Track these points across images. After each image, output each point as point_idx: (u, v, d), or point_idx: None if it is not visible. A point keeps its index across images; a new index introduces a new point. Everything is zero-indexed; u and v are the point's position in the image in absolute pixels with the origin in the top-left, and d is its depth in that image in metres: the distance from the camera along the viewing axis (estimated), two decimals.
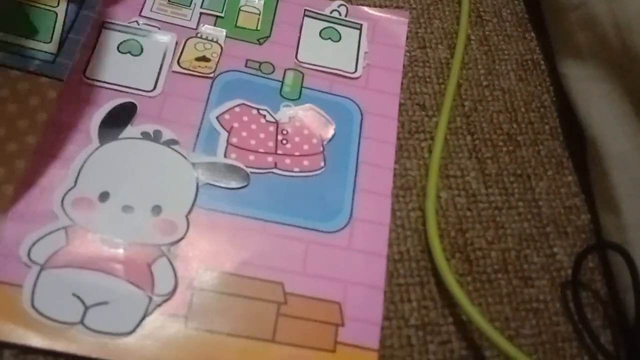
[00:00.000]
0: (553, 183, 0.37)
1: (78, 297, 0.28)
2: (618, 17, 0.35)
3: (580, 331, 0.32)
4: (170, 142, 0.32)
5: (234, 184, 0.32)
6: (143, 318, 0.28)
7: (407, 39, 0.39)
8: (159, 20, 0.36)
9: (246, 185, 0.32)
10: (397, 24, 0.40)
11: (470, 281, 0.33)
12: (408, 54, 0.39)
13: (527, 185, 0.36)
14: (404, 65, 0.38)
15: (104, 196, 0.30)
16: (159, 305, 0.28)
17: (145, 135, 0.32)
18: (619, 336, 0.33)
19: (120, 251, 0.29)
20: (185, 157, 0.32)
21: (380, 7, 0.40)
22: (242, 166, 0.33)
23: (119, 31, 0.35)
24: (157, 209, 0.30)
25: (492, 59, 0.41)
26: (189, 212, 0.31)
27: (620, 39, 0.35)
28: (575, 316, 0.33)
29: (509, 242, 0.34)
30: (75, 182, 0.30)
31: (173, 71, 0.34)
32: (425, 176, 0.35)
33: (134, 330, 0.27)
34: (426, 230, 0.33)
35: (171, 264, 0.29)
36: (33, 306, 0.27)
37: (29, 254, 0.28)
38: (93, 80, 0.33)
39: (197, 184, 0.32)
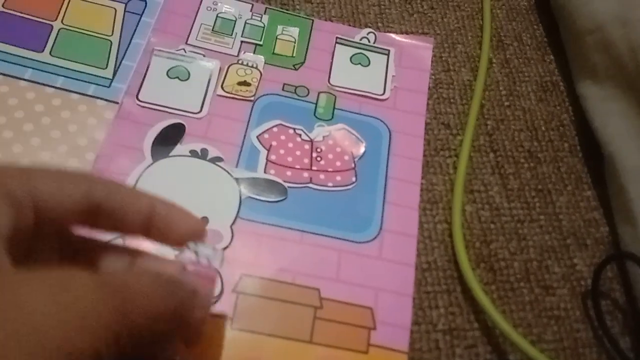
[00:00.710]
0: (573, 197, 0.39)
1: None
2: (633, 41, 0.37)
3: (600, 337, 0.34)
4: (216, 160, 0.35)
5: (273, 197, 0.35)
6: None
7: (432, 62, 0.42)
8: (204, 48, 0.39)
9: (284, 199, 0.35)
10: (422, 49, 0.42)
11: (494, 289, 0.35)
12: (433, 77, 0.42)
13: (548, 199, 0.38)
14: (429, 87, 0.41)
15: None
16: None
17: (194, 153, 0.35)
18: (638, 342, 0.34)
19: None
20: (229, 173, 0.35)
21: (407, 33, 0.43)
22: (280, 181, 0.35)
23: (168, 58, 0.38)
24: (204, 220, 0.33)
25: (513, 81, 0.43)
26: (233, 222, 0.34)
27: (635, 61, 0.37)
28: (596, 323, 0.34)
29: (531, 253, 0.36)
30: None
31: (217, 95, 0.37)
32: (451, 191, 0.37)
33: None
34: (452, 241, 0.35)
35: (218, 272, 0.32)
36: None
37: None
38: (145, 102, 0.36)
39: (240, 197, 0.34)
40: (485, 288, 0.35)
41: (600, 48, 0.40)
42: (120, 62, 0.38)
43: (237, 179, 0.35)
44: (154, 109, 0.36)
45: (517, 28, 0.46)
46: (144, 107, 0.36)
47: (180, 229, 0.25)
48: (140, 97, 0.36)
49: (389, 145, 0.38)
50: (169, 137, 0.35)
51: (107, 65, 0.37)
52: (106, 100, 0.36)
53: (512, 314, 0.34)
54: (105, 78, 0.37)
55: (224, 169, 0.35)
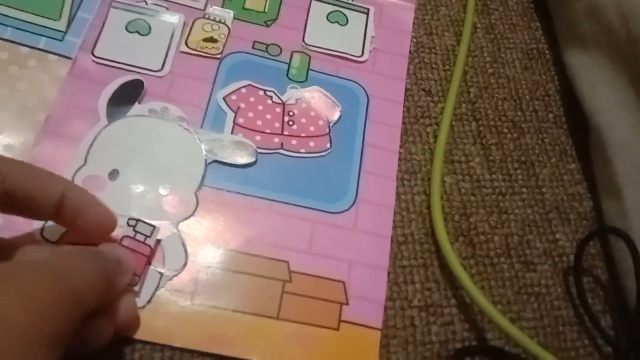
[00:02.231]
0: (556, 170, 0.37)
1: None
2: (623, 7, 0.35)
3: (581, 316, 0.33)
4: (178, 120, 0.32)
5: (241, 160, 0.32)
6: (154, 293, 0.28)
7: (413, 25, 0.40)
8: (167, 0, 0.36)
9: (254, 162, 0.32)
10: (404, 9, 0.40)
11: (473, 264, 0.33)
12: (414, 40, 0.39)
13: (531, 172, 0.37)
14: (410, 51, 0.39)
15: (113, 174, 0.30)
16: (170, 279, 0.29)
17: (153, 113, 0.32)
18: (620, 321, 0.33)
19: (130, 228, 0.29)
20: (192, 134, 0.32)
21: None
22: (249, 142, 0.33)
23: (128, 10, 0.35)
24: (166, 186, 0.31)
25: (498, 47, 0.41)
26: (198, 189, 0.31)
27: (626, 28, 0.35)
28: (577, 301, 0.33)
29: (512, 227, 0.35)
30: (85, 160, 0.30)
31: (181, 51, 0.34)
32: (430, 161, 0.35)
33: (148, 302, 0.28)
34: (430, 213, 0.33)
35: (181, 239, 0.30)
36: None
37: (42, 233, 0.28)
38: (101, 59, 0.33)
39: (205, 160, 0.32)
40: (464, 263, 0.33)
41: (589, 14, 0.38)
42: (75, 14, 0.34)
43: (201, 140, 0.32)
44: (111, 66, 0.33)
45: None
46: (100, 63, 0.33)
47: (89, 219, 0.25)
48: (96, 52, 0.33)
49: (367, 110, 0.36)
50: (126, 96, 0.32)
51: (60, 16, 0.34)
52: (58, 55, 0.33)
53: (491, 290, 0.33)
54: (58, 30, 0.33)
55: (187, 130, 0.32)
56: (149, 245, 0.27)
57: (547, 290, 0.33)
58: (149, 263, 0.28)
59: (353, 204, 0.33)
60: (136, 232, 0.27)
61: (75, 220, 0.25)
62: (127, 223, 0.27)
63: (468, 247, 0.33)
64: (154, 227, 0.28)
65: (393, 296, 0.31)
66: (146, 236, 0.27)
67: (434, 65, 0.39)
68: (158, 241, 0.29)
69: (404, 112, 0.36)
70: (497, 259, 0.33)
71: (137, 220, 0.28)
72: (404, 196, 0.34)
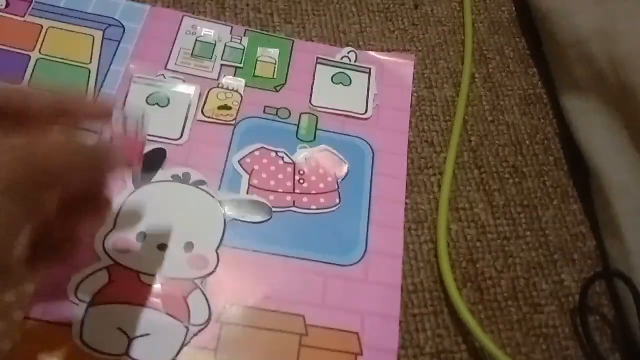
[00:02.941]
0: (559, 212, 0.39)
1: (122, 331, 0.30)
2: (614, 55, 0.37)
3: (589, 355, 0.34)
4: (199, 183, 0.35)
5: (258, 218, 0.34)
6: (182, 347, 0.30)
7: (414, 80, 0.42)
8: (184, 73, 0.39)
9: (270, 219, 0.35)
10: (404, 66, 0.42)
11: (482, 309, 0.35)
12: (416, 94, 0.42)
13: (534, 215, 0.38)
14: (412, 105, 0.41)
15: (140, 236, 0.33)
16: (195, 335, 0.31)
17: (176, 178, 0.35)
18: (628, 358, 0.34)
19: (158, 286, 0.32)
20: (212, 196, 0.35)
21: (388, 51, 0.43)
22: (265, 201, 0.35)
23: (147, 84, 0.38)
24: (189, 245, 0.33)
25: (497, 95, 0.43)
26: (218, 247, 0.33)
27: (616, 75, 0.37)
28: (584, 340, 0.34)
29: (518, 271, 0.36)
30: (115, 224, 0.33)
31: (198, 120, 0.37)
32: (436, 210, 0.37)
33: (174, 359, 0.30)
34: (438, 261, 0.35)
35: (205, 295, 0.32)
36: (82, 340, 0.29)
37: (75, 293, 0.30)
38: None
39: (225, 219, 0.34)
40: (473, 308, 0.34)
41: (582, 61, 0.39)
42: (100, 90, 0.37)
43: (220, 202, 0.35)
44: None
45: (500, 42, 0.45)
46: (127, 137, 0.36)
47: (89, 109, 0.26)
48: None
49: (373, 164, 0.38)
50: (151, 164, 0.35)
51: (86, 94, 0.37)
52: (86, 130, 0.36)
53: (500, 334, 0.34)
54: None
55: (207, 192, 0.35)
56: (142, 137, 0.28)
57: (555, 331, 0.34)
58: (142, 154, 0.29)
59: (363, 256, 0.35)
60: (126, 120, 0.27)
61: (78, 115, 0.26)
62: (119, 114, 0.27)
63: (476, 292, 0.35)
64: (144, 114, 0.28)
65: (405, 344, 0.33)
66: (137, 122, 0.28)
67: (435, 117, 0.41)
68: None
69: (408, 163, 0.38)
70: (505, 303, 0.35)
71: (125, 118, 0.27)
72: (412, 245, 0.36)
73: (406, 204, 0.37)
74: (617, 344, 0.34)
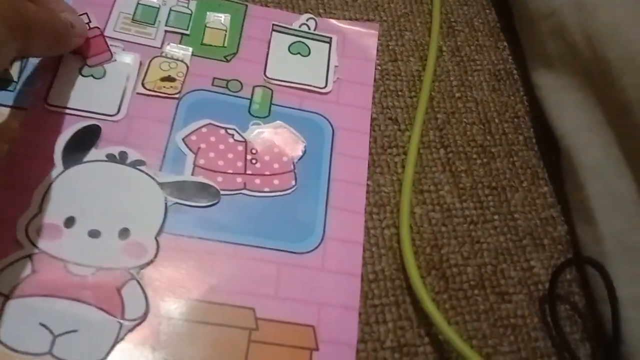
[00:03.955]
0: (529, 195, 0.36)
1: (45, 327, 0.27)
2: (588, 27, 0.35)
3: (558, 346, 0.32)
4: (137, 163, 0.31)
5: (204, 202, 0.31)
6: (114, 345, 0.27)
7: (378, 52, 0.39)
8: (123, 40, 0.35)
9: (217, 203, 0.31)
10: (367, 36, 0.39)
11: (446, 299, 0.32)
12: (379, 68, 0.39)
13: (502, 197, 0.36)
14: (375, 79, 0.38)
15: (69, 221, 0.29)
16: (130, 330, 0.27)
17: (111, 157, 0.31)
18: (598, 349, 0.32)
19: (89, 277, 0.28)
20: (152, 177, 0.31)
21: (350, 19, 0.40)
22: (211, 183, 0.32)
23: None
24: (125, 232, 0.30)
25: (465, 70, 0.40)
26: (158, 233, 0.30)
27: (591, 49, 0.34)
28: (553, 330, 0.32)
29: (485, 257, 0.34)
30: (40, 209, 0.29)
31: (137, 93, 0.33)
32: (399, 192, 0.35)
33: (105, 358, 0.27)
34: (400, 247, 0.33)
35: (141, 287, 0.29)
36: None
37: None
38: (55, 106, 0.32)
39: (166, 204, 0.31)
40: (437, 298, 0.32)
41: (554, 34, 0.37)
42: (26, 62, 0.33)
43: (161, 184, 0.31)
44: (65, 113, 0.32)
45: (469, 13, 0.43)
46: (53, 111, 0.32)
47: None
48: (49, 100, 0.32)
49: (332, 143, 0.35)
50: (82, 142, 0.31)
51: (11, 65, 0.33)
52: (10, 106, 0.32)
53: (465, 325, 0.32)
54: (9, 80, 0.32)
55: (146, 173, 0.31)
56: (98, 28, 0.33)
57: (523, 321, 0.32)
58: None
59: (320, 242, 0.32)
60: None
61: None
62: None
63: (441, 280, 0.33)
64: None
65: (365, 338, 0.30)
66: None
67: (399, 93, 0.38)
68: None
69: (370, 142, 0.36)
70: (471, 292, 0.33)
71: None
72: (374, 231, 0.33)
73: (368, 185, 0.34)
74: (587, 333, 0.33)
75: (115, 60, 0.34)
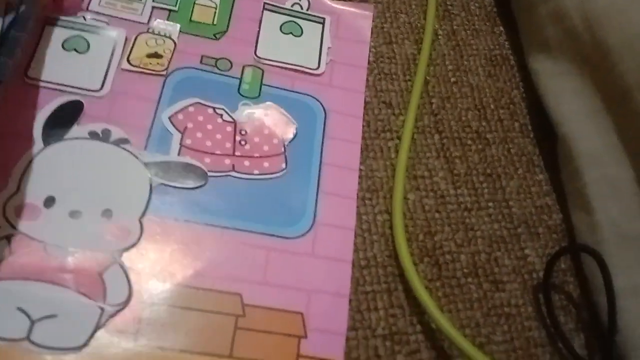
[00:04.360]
0: (524, 182, 0.36)
1: (23, 311, 0.25)
2: (588, 11, 0.34)
3: (553, 336, 0.31)
4: (120, 142, 0.30)
5: (190, 183, 0.30)
6: (95, 330, 0.26)
7: (372, 34, 0.38)
8: (108, 15, 0.33)
9: (204, 184, 0.30)
10: (361, 18, 0.38)
11: (439, 286, 0.31)
12: (373, 50, 0.38)
13: (497, 184, 0.35)
14: (369, 62, 0.37)
15: (49, 201, 0.28)
16: (112, 316, 0.26)
17: (93, 135, 0.30)
18: (593, 339, 0.32)
19: (69, 260, 0.27)
20: (136, 157, 0.30)
21: (345, 0, 0.39)
22: (198, 164, 0.31)
23: (64, 27, 0.32)
24: (107, 213, 0.28)
25: (460, 54, 0.39)
26: (142, 215, 0.29)
27: (590, 33, 0.34)
28: (547, 320, 0.31)
29: (479, 245, 0.33)
30: (18, 188, 0.28)
31: (122, 69, 0.32)
32: (392, 177, 0.34)
33: (85, 344, 0.25)
34: (393, 234, 0.32)
35: (124, 271, 0.27)
36: None
37: None
38: (35, 80, 0.31)
39: (151, 184, 0.30)
40: (430, 285, 0.31)
41: (553, 18, 0.36)
42: (7, 33, 0.31)
43: (146, 164, 0.30)
44: (46, 87, 0.31)
45: None
46: (33, 85, 0.30)
47: None
48: (29, 73, 0.31)
49: (324, 126, 0.34)
50: (64, 117, 0.30)
51: None
52: None
53: (459, 313, 0.31)
54: None
55: (130, 152, 0.30)
56: None
57: (517, 311, 0.32)
58: None
59: (311, 227, 0.31)
60: None
61: None
62: None
63: (434, 268, 0.32)
64: None
65: (355, 325, 0.29)
66: None
67: (394, 76, 0.37)
68: None
69: (363, 126, 0.35)
70: (465, 280, 0.32)
71: None
72: (366, 216, 0.32)
73: (360, 170, 0.33)
74: (582, 323, 0.32)
75: (98, 33, 0.33)
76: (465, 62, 0.39)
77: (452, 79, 0.38)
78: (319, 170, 0.32)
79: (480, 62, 0.39)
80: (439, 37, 0.40)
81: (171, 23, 0.34)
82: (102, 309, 0.26)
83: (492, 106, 0.38)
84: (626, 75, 0.31)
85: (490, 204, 0.34)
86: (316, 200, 0.31)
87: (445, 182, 0.34)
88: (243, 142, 0.32)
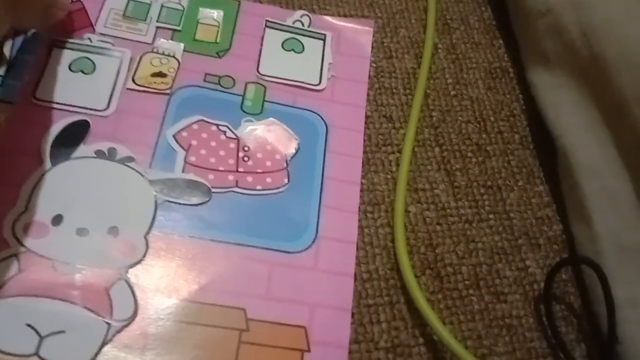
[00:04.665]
0: (524, 194, 0.36)
1: (32, 327, 0.26)
2: (585, 25, 0.35)
3: (554, 346, 0.31)
4: (126, 160, 0.31)
5: (195, 200, 0.31)
6: (102, 346, 0.26)
7: (372, 49, 0.39)
8: (113, 36, 0.34)
9: (208, 201, 0.31)
10: (362, 33, 0.39)
11: (441, 299, 0.32)
12: (374, 65, 0.38)
13: (498, 196, 0.36)
14: (369, 76, 0.37)
15: (57, 219, 0.29)
16: (119, 331, 0.27)
17: (99, 154, 0.31)
18: (594, 350, 0.32)
19: (76, 276, 0.28)
20: (141, 174, 0.31)
21: (345, 16, 0.39)
22: (202, 180, 0.31)
23: (71, 49, 0.33)
24: (114, 230, 0.29)
25: (460, 68, 0.40)
26: (148, 232, 0.29)
27: (588, 47, 0.34)
28: (549, 331, 0.32)
29: (480, 257, 0.33)
30: (27, 206, 0.29)
31: (128, 88, 0.33)
32: (394, 191, 0.34)
33: (93, 359, 0.26)
34: (395, 247, 0.32)
35: (130, 287, 0.28)
36: None
37: None
38: (43, 101, 0.31)
39: (156, 201, 0.30)
40: (431, 297, 0.32)
41: (551, 32, 0.37)
42: (15, 56, 0.32)
43: (151, 181, 0.31)
44: (53, 108, 0.31)
45: (464, 10, 0.42)
46: (41, 106, 0.31)
47: None
48: (37, 94, 0.31)
49: (326, 141, 0.34)
50: (71, 137, 0.31)
51: None
52: None
53: (460, 325, 0.31)
54: None
55: (136, 170, 0.31)
56: None
57: (518, 322, 0.32)
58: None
59: (313, 241, 0.31)
60: None
61: None
62: None
63: (435, 280, 0.32)
64: None
65: (358, 338, 0.30)
66: None
67: (394, 90, 0.38)
68: None
69: (365, 140, 0.35)
70: (466, 291, 0.32)
71: None
72: (367, 229, 0.33)
73: (362, 184, 0.34)
74: (583, 334, 0.32)
75: (104, 54, 0.33)
76: (465, 75, 0.40)
77: (452, 92, 0.39)
78: (321, 185, 0.33)
79: (480, 75, 0.40)
80: (439, 50, 0.40)
81: (175, 42, 0.35)
82: (109, 325, 0.27)
83: (492, 118, 0.38)
84: (624, 89, 0.32)
85: (491, 215, 0.35)
86: (318, 215, 0.32)
87: (446, 194, 0.35)
88: (246, 158, 0.33)
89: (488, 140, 0.37)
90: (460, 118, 0.38)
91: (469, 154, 0.36)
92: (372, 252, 0.32)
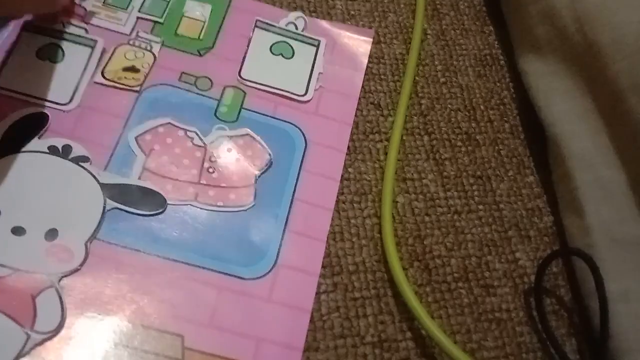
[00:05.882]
0: (514, 184, 0.35)
1: None
2: (579, 11, 0.34)
3: (544, 341, 0.31)
4: (80, 159, 0.29)
5: (146, 210, 0.28)
6: (17, 358, 0.24)
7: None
8: (89, 23, 0.32)
9: (161, 212, 0.28)
10: (359, 43, 0.36)
11: (429, 291, 0.31)
12: None
13: (488, 187, 0.35)
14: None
15: None
16: (38, 344, 0.24)
17: (53, 150, 0.28)
18: (585, 344, 0.31)
19: (4, 278, 0.25)
20: (94, 177, 0.29)
21: (344, 21, 0.37)
22: (158, 190, 0.29)
23: (40, 34, 0.31)
24: (52, 233, 0.27)
25: (450, 54, 0.39)
26: (90, 239, 0.27)
27: (581, 33, 0.33)
28: (539, 325, 0.31)
29: (470, 249, 0.33)
30: None
31: (95, 82, 0.31)
32: (381, 180, 0.33)
33: None
34: (382, 238, 0.31)
35: (60, 296, 0.25)
36: None
37: None
38: (4, 89, 0.29)
39: (104, 207, 0.28)
40: (419, 290, 0.31)
41: (543, 18, 0.36)
42: None
43: (102, 185, 0.28)
44: (13, 97, 0.29)
45: None
46: (2, 94, 0.29)
47: None
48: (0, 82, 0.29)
49: (302, 159, 0.31)
50: (25, 130, 0.29)
51: None
52: None
53: (449, 319, 0.31)
54: None
55: (88, 171, 0.29)
56: None
57: (508, 316, 0.31)
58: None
59: (271, 269, 0.28)
60: None
61: None
62: None
63: (423, 272, 0.31)
64: None
65: (344, 333, 0.29)
66: None
67: (382, 77, 0.36)
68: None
69: (352, 128, 0.34)
70: (455, 284, 0.31)
71: None
72: (354, 220, 0.32)
73: (348, 173, 0.33)
74: (574, 328, 0.32)
75: (75, 42, 0.32)
76: (455, 62, 0.39)
77: (442, 80, 0.38)
78: (290, 206, 0.30)
79: (470, 62, 0.39)
80: (428, 36, 0.39)
81: (153, 36, 0.33)
82: (28, 335, 0.24)
83: (482, 107, 0.37)
84: (618, 76, 0.31)
85: (481, 206, 0.34)
86: (281, 240, 0.29)
87: (435, 184, 0.34)
88: (211, 170, 0.30)
89: (478, 129, 0.36)
90: (449, 106, 0.37)
91: (459, 143, 0.36)
92: (358, 244, 0.31)
